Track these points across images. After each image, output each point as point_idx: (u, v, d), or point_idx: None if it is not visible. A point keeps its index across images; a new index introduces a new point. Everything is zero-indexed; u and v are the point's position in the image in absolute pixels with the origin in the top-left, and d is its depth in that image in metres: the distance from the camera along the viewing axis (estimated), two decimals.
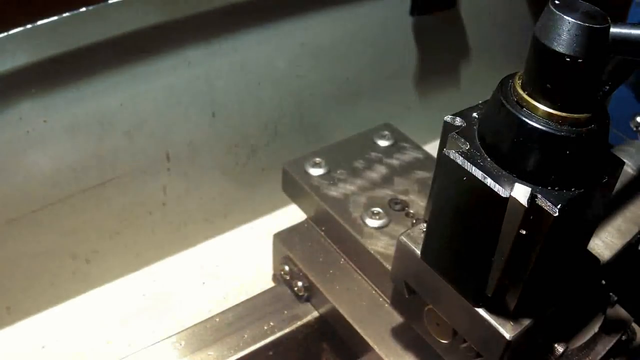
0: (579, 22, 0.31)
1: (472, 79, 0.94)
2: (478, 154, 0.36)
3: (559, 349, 0.41)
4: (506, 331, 0.38)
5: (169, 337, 0.59)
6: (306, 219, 0.65)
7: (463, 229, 0.37)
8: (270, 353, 0.60)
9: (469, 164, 0.35)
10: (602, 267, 0.46)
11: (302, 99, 0.77)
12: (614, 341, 0.47)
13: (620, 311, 0.49)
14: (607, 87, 0.37)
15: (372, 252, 0.55)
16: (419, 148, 0.68)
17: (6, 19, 0.54)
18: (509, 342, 0.38)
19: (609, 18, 0.32)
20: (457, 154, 0.35)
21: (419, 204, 0.60)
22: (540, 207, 0.33)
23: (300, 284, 0.61)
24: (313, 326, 0.62)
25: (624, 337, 0.49)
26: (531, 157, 0.34)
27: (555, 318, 0.42)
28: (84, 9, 0.56)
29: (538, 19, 0.33)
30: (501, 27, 0.93)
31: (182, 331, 0.60)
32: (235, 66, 0.69)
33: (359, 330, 0.55)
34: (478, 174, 0.34)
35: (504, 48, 0.95)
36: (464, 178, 0.35)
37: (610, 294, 0.47)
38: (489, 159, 0.35)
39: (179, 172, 0.72)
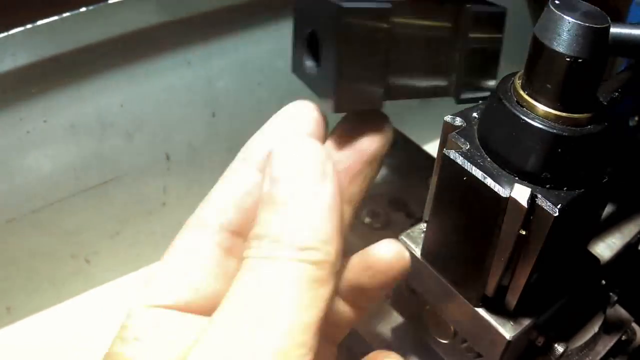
0: (579, 22, 0.31)
1: None
2: (478, 154, 0.35)
3: (559, 349, 0.41)
4: (506, 331, 0.38)
5: None
6: None
7: (463, 229, 0.37)
8: None
9: (469, 164, 0.35)
10: (602, 267, 0.46)
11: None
12: (614, 341, 0.47)
13: (620, 311, 0.49)
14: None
15: None
16: (419, 148, 0.67)
17: (6, 19, 0.54)
18: (509, 342, 0.38)
19: (609, 18, 0.32)
20: (457, 154, 0.35)
21: (419, 204, 0.60)
22: (541, 208, 0.33)
23: None
24: None
25: (624, 337, 0.49)
26: (531, 157, 0.34)
27: (555, 318, 0.42)
28: (84, 9, 0.56)
29: (538, 19, 0.33)
30: None
31: None
32: (235, 66, 0.69)
33: (359, 330, 0.55)
34: (478, 174, 0.34)
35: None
36: (464, 178, 0.35)
37: (610, 294, 0.47)
38: (489, 159, 0.35)
39: (179, 172, 0.72)
